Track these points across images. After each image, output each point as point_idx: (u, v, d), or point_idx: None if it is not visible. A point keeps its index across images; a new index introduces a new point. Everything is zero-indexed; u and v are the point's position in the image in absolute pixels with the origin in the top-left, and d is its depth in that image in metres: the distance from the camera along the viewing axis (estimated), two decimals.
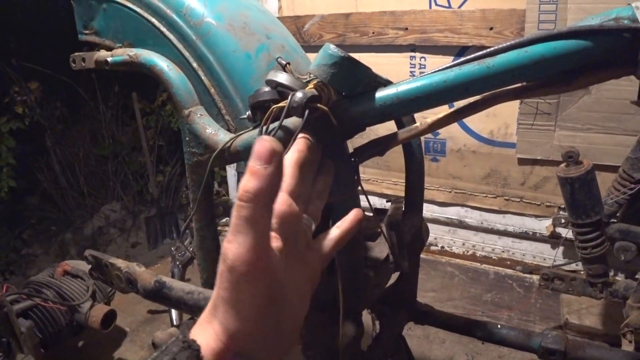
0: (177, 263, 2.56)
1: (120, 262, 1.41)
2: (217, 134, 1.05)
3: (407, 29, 2.63)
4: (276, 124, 0.88)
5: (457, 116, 0.85)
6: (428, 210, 2.91)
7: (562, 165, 1.92)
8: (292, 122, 0.88)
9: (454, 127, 2.63)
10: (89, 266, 1.56)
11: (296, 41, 1.31)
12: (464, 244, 2.91)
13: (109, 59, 1.21)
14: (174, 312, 2.29)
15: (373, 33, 2.72)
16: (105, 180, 5.93)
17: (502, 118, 2.54)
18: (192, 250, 2.79)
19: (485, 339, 1.42)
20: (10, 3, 5.11)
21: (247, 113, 1.00)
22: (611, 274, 2.40)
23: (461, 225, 2.87)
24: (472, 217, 2.82)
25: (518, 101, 2.45)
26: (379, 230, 1.20)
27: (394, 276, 1.40)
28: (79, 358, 2.28)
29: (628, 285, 2.06)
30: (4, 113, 4.98)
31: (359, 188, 0.90)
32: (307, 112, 0.75)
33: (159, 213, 5.03)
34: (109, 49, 1.31)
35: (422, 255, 3.02)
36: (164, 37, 1.15)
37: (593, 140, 2.39)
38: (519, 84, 0.84)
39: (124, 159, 5.84)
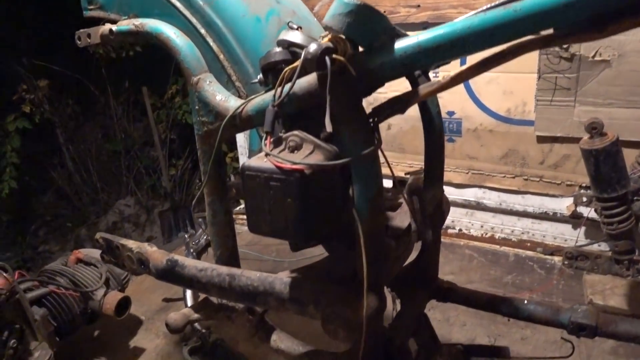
0: (192, 251, 2.52)
1: (131, 243, 1.37)
2: (228, 101, 1.00)
3: (419, 6, 2.56)
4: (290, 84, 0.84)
5: (481, 68, 0.79)
6: (445, 193, 2.84)
7: (586, 137, 1.85)
8: (307, 80, 0.83)
9: (470, 106, 2.56)
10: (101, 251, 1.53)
11: (308, 9, 1.26)
12: (482, 226, 2.84)
13: (113, 29, 1.17)
14: (188, 296, 2.26)
15: (384, 12, 2.65)
16: (118, 175, 5.95)
17: (519, 95, 2.47)
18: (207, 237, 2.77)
19: (512, 315, 1.37)
20: (20, 1, 5.12)
21: (259, 76, 0.96)
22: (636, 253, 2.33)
23: (479, 207, 2.80)
24: (490, 198, 2.75)
25: (535, 77, 2.37)
26: (400, 201, 1.15)
27: (414, 254, 1.35)
28: (94, 347, 2.26)
29: None
30: (11, 111, 5.00)
31: (380, 151, 0.85)
32: (328, 62, 0.70)
33: (173, 207, 5.03)
34: (115, 23, 1.27)
35: None
36: (170, 5, 1.11)
37: (615, 115, 2.30)
38: (547, 31, 0.78)
39: (137, 154, 5.84)
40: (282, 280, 0.98)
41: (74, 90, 5.72)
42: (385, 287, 1.39)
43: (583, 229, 2.58)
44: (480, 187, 2.74)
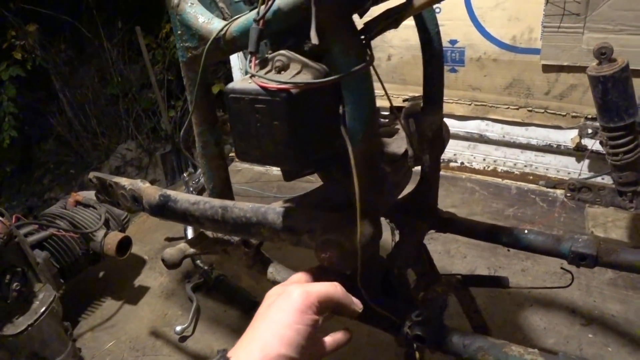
0: (191, 190, 2.51)
1: (124, 180, 1.34)
2: (211, 22, 0.94)
3: None
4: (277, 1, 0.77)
5: None
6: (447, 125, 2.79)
7: (594, 63, 1.77)
8: None
9: (474, 33, 2.44)
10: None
11: None
12: (484, 159, 2.80)
13: None
14: (189, 233, 2.27)
15: None
16: (118, 119, 5.89)
17: (525, 21, 2.35)
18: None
19: (511, 245, 1.35)
20: None
21: None
22: None
23: (482, 139, 2.74)
24: (493, 130, 2.68)
25: (543, 2, 2.25)
26: (397, 127, 1.10)
27: (414, 183, 1.32)
28: (100, 287, 2.30)
29: None
30: (3, 60, 4.88)
31: (372, 69, 0.79)
32: None
33: (174, 149, 4.99)
34: None
35: (441, 172, 2.95)
36: None
37: (626, 42, 2.20)
38: None
39: (135, 97, 5.76)
40: (275, 210, 0.95)
41: (66, 34, 5.56)
42: (384, 219, 1.37)
43: (587, 162, 2.54)
44: (483, 119, 2.68)
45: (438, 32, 1.10)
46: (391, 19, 0.75)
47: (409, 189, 1.28)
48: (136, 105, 5.75)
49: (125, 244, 2.02)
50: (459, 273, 1.40)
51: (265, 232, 0.97)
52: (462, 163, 2.86)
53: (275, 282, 1.18)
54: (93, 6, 5.18)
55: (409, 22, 1.08)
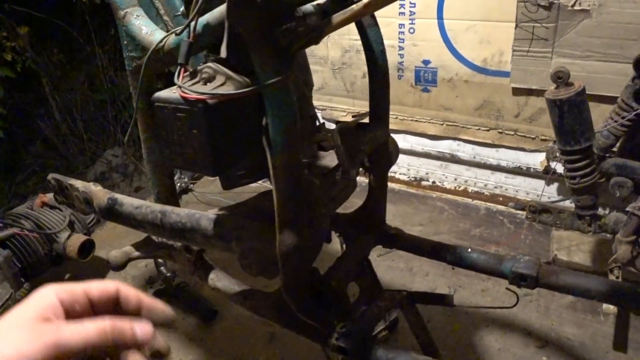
0: None
1: (78, 183, 1.37)
2: (153, 34, 0.97)
3: None
4: (206, 16, 0.81)
5: None
6: (419, 144, 2.81)
7: (552, 87, 1.81)
8: (219, 10, 0.80)
9: (446, 54, 2.49)
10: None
11: None
12: (455, 179, 2.83)
13: None
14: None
15: None
16: (106, 125, 5.90)
17: (496, 45, 2.40)
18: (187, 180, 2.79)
19: (454, 263, 1.37)
20: None
21: (181, 9, 0.93)
22: (606, 211, 2.32)
23: (453, 159, 2.77)
24: (465, 151, 2.72)
25: (513, 26, 2.30)
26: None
27: (361, 197, 1.35)
28: None
29: (618, 219, 1.98)
30: None
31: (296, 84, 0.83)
32: None
33: None
34: None
35: (412, 190, 2.96)
36: None
37: (593, 68, 2.25)
38: None
39: (123, 104, 5.77)
40: (208, 216, 0.97)
41: (58, 38, 5.60)
42: (334, 232, 1.39)
43: (556, 185, 2.57)
44: (455, 139, 2.71)
45: (383, 50, 1.14)
46: (311, 35, 0.78)
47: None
48: (124, 112, 5.78)
49: (88, 247, 2.03)
50: (404, 289, 1.42)
51: (199, 238, 0.99)
52: (433, 182, 2.89)
53: (216, 289, 1.20)
54: (86, 12, 5.22)
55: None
